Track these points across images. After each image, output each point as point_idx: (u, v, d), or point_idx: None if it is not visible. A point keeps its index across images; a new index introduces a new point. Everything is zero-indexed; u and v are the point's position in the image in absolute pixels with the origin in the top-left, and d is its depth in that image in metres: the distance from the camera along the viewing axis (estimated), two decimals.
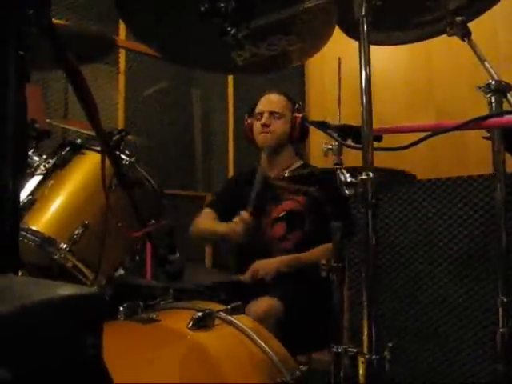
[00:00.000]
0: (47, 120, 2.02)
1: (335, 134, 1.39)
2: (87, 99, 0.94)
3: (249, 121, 2.47)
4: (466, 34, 1.45)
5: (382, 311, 3.08)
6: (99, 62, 1.85)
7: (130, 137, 1.64)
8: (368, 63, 1.11)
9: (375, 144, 1.12)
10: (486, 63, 1.44)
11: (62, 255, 1.39)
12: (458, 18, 1.45)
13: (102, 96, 3.12)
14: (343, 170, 1.11)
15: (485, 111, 1.43)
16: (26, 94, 0.70)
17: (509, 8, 2.60)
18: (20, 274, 1.23)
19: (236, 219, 2.24)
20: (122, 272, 1.57)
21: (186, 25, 1.43)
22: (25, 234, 1.39)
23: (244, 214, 2.22)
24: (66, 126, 2.29)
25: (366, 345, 1.05)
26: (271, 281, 2.13)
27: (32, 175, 1.53)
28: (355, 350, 1.20)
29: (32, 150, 1.61)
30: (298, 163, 2.46)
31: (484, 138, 1.52)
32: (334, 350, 1.31)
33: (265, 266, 2.16)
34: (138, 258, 1.64)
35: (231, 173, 3.66)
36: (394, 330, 3.09)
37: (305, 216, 2.29)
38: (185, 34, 1.47)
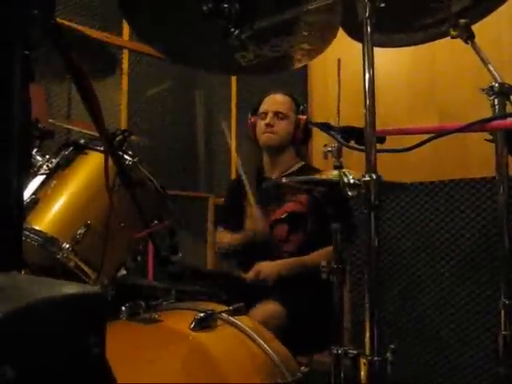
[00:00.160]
0: (50, 120, 2.03)
1: (338, 136, 1.39)
2: (91, 100, 0.94)
3: (252, 120, 2.47)
4: (469, 37, 1.45)
5: (384, 313, 3.07)
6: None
7: (132, 137, 1.64)
8: (371, 65, 1.11)
9: (378, 146, 1.12)
10: (489, 66, 1.44)
11: (65, 255, 1.39)
12: (462, 21, 1.45)
13: (105, 96, 3.12)
14: (346, 172, 1.11)
15: (488, 113, 1.43)
16: (30, 94, 0.70)
17: None
18: (23, 273, 1.23)
19: (247, 221, 2.26)
20: (124, 272, 1.57)
21: (190, 26, 1.44)
22: (27, 233, 1.39)
23: (253, 213, 2.23)
24: (70, 126, 2.29)
25: (368, 346, 1.05)
26: (273, 283, 2.12)
27: (35, 175, 1.53)
28: (355, 352, 1.20)
29: (35, 150, 1.61)
30: (299, 164, 2.46)
31: (487, 140, 1.52)
32: (335, 351, 1.31)
33: (267, 268, 2.16)
34: (140, 258, 1.64)
35: (234, 174, 3.66)
36: (395, 332, 3.09)
37: (307, 217, 2.29)
38: (188, 34, 1.47)
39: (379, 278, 1.07)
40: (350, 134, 1.38)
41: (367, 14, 1.13)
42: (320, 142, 1.62)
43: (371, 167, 1.07)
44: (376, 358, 1.04)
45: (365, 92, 1.11)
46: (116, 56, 2.22)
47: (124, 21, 2.88)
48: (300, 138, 2.39)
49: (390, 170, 1.26)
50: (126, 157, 1.53)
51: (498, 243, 1.50)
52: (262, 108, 2.43)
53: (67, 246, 1.40)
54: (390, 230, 3.23)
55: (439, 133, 1.28)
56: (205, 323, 1.27)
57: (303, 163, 2.50)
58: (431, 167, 3.12)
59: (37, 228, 1.41)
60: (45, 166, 1.54)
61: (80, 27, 2.82)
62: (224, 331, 1.31)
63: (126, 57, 3.21)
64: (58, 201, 1.48)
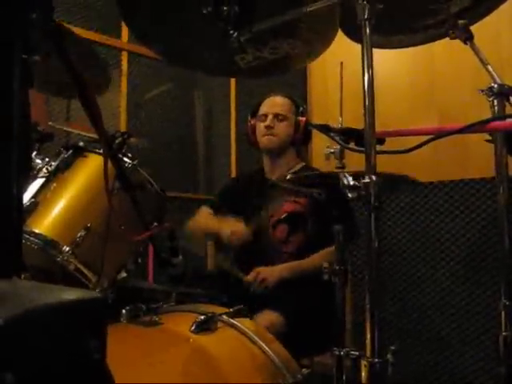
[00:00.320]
0: (50, 123, 2.03)
1: (338, 138, 1.39)
2: (90, 103, 0.94)
3: (252, 122, 2.47)
4: (468, 38, 1.45)
5: (385, 314, 3.07)
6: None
7: (132, 139, 1.64)
8: (370, 66, 1.11)
9: (378, 147, 1.12)
10: (488, 67, 1.44)
11: (65, 258, 1.39)
12: (461, 22, 1.45)
13: (105, 98, 3.12)
14: (346, 174, 1.11)
15: (487, 114, 1.43)
16: (29, 97, 0.70)
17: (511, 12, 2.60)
18: (23, 276, 1.23)
19: (228, 230, 2.24)
20: (124, 275, 1.57)
21: (189, 28, 1.44)
22: (27, 236, 1.39)
23: (236, 230, 2.22)
24: (69, 129, 2.29)
25: (369, 348, 1.04)
26: (273, 287, 2.12)
27: (35, 178, 1.53)
28: (357, 353, 1.20)
29: (35, 153, 1.61)
30: (300, 165, 2.46)
31: (486, 140, 1.52)
32: (336, 352, 1.31)
33: (268, 272, 2.15)
34: (140, 260, 1.64)
35: (233, 175, 3.66)
36: (396, 334, 3.09)
37: (307, 218, 2.29)
38: (187, 37, 1.47)
39: (379, 278, 1.07)
40: (349, 136, 1.38)
41: (366, 16, 1.13)
42: (321, 143, 1.61)
43: (371, 169, 1.07)
44: (377, 360, 1.03)
45: (364, 93, 1.11)
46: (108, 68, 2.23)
47: (123, 23, 2.88)
48: (300, 139, 2.39)
49: (390, 170, 1.26)
50: (125, 159, 1.53)
51: (498, 244, 1.50)
52: (262, 110, 2.42)
53: (67, 248, 1.40)
54: (390, 230, 3.23)
55: (438, 134, 1.28)
56: (205, 326, 1.27)
57: (303, 164, 2.50)
58: (431, 168, 3.12)
59: (37, 231, 1.41)
60: (44, 169, 1.54)
61: (79, 29, 2.82)
62: (224, 333, 1.31)
63: (125, 59, 3.21)
64: (57, 204, 1.48)
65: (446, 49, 2.66)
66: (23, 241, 1.35)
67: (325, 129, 1.42)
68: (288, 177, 1.79)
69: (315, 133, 2.42)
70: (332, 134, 1.39)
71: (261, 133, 2.39)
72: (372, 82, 1.11)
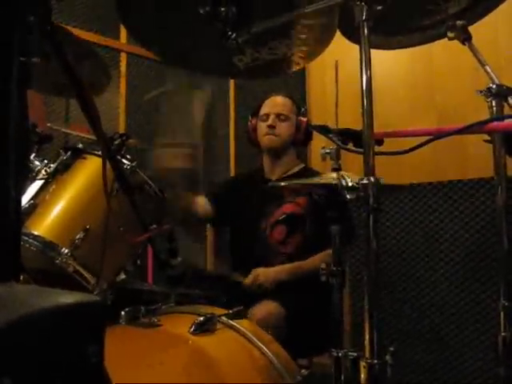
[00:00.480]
0: (48, 124, 2.03)
1: (336, 138, 1.39)
2: (89, 105, 0.94)
3: (253, 122, 2.47)
4: (466, 38, 1.45)
5: (384, 315, 3.07)
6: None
7: (131, 141, 1.64)
8: (368, 67, 1.11)
9: (376, 148, 1.12)
10: (486, 67, 1.44)
11: (64, 260, 1.39)
12: (459, 22, 1.45)
13: (104, 100, 3.12)
14: (344, 175, 1.11)
15: (486, 115, 1.43)
16: (27, 99, 0.70)
17: (510, 11, 2.60)
18: (21, 278, 1.23)
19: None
20: (123, 276, 1.57)
21: (187, 29, 1.44)
22: (26, 238, 1.39)
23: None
24: (68, 131, 2.29)
25: (368, 349, 1.04)
26: (271, 289, 2.12)
27: (33, 180, 1.53)
28: (356, 354, 1.20)
29: (33, 155, 1.61)
30: (299, 166, 2.46)
31: (485, 141, 1.52)
32: (335, 353, 1.31)
33: (266, 274, 2.15)
34: (139, 262, 1.64)
35: (232, 175, 3.67)
36: (395, 334, 3.08)
37: (305, 219, 2.29)
38: (185, 38, 1.47)
39: (378, 279, 1.07)
40: (347, 137, 1.38)
41: (364, 17, 1.13)
42: (318, 144, 1.61)
43: (369, 170, 1.07)
44: (375, 361, 1.03)
45: (362, 94, 1.11)
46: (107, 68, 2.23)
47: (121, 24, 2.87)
48: (301, 139, 2.40)
49: (388, 171, 1.27)
50: (124, 161, 1.53)
51: (496, 244, 1.50)
52: (264, 110, 2.43)
53: (66, 250, 1.40)
54: (389, 231, 3.23)
55: (437, 135, 1.28)
56: (204, 327, 1.27)
57: (303, 165, 2.51)
58: (430, 168, 3.12)
59: (35, 233, 1.41)
60: (43, 171, 1.54)
61: (78, 30, 2.82)
62: (224, 335, 1.31)
63: (123, 60, 3.21)
64: (56, 206, 1.48)
65: (444, 49, 2.67)
66: (22, 243, 1.35)
67: (323, 130, 1.42)
68: (285, 183, 1.80)
69: (314, 133, 2.43)
70: (330, 135, 1.39)
71: (262, 132, 2.40)
72: (370, 82, 1.11)
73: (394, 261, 3.20)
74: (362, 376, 1.05)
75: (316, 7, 1.23)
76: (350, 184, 1.09)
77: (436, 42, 1.61)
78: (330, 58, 1.67)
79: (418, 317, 3.09)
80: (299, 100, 3.46)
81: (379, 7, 1.15)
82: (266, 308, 1.95)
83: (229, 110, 3.74)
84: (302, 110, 2.43)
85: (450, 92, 3.12)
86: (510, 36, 2.93)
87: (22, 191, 1.26)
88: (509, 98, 1.41)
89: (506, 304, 1.43)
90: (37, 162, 1.57)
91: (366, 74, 1.11)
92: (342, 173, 1.31)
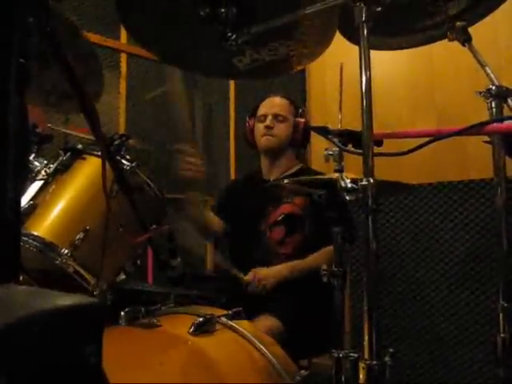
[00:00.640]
0: (48, 124, 2.03)
1: (336, 140, 1.39)
2: (88, 106, 0.94)
3: (250, 122, 2.47)
4: (466, 40, 1.45)
5: (383, 316, 3.07)
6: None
7: (131, 141, 1.64)
8: (368, 69, 1.11)
9: (376, 149, 1.12)
10: (486, 68, 1.44)
11: (63, 260, 1.39)
12: (459, 23, 1.45)
13: (104, 100, 3.12)
14: (344, 176, 1.11)
15: (485, 115, 1.43)
16: (26, 100, 0.70)
17: (510, 12, 2.61)
18: (21, 279, 1.23)
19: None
20: (123, 277, 1.57)
21: (187, 30, 1.44)
22: (26, 239, 1.38)
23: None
24: (67, 131, 2.29)
25: (367, 350, 1.04)
26: (271, 287, 2.12)
27: (33, 180, 1.53)
28: (356, 355, 1.20)
29: (33, 155, 1.61)
30: (298, 167, 2.46)
31: (485, 142, 1.52)
32: (335, 354, 1.31)
33: (265, 273, 2.15)
34: (139, 262, 1.64)
35: (233, 176, 3.67)
36: (394, 335, 3.09)
37: (304, 219, 2.28)
38: (186, 38, 1.47)
39: (378, 280, 1.07)
40: (347, 138, 1.38)
41: (363, 18, 1.13)
42: (320, 145, 1.62)
43: (369, 171, 1.07)
44: (375, 362, 1.03)
45: (362, 95, 1.11)
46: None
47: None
48: (299, 140, 2.39)
49: (388, 172, 1.27)
50: (124, 161, 1.53)
51: (496, 245, 1.50)
52: (261, 111, 2.43)
53: (66, 251, 1.40)
54: (388, 231, 3.23)
55: (437, 136, 1.28)
56: (204, 328, 1.27)
57: (301, 165, 2.50)
58: (430, 169, 3.12)
59: (35, 233, 1.41)
60: (43, 172, 1.53)
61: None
62: (223, 335, 1.31)
63: (124, 60, 3.21)
64: (56, 206, 1.48)
65: (444, 50, 2.66)
66: (22, 243, 1.35)
67: (323, 131, 1.42)
68: (286, 181, 1.79)
69: (314, 135, 2.43)
70: (330, 136, 1.39)
71: (260, 133, 2.39)
72: (370, 83, 1.11)
73: (393, 261, 3.20)
74: (362, 377, 1.05)
75: (316, 8, 1.23)
76: (348, 185, 1.10)
77: (436, 43, 1.62)
78: (331, 58, 1.67)
79: (417, 317, 3.09)
80: (299, 101, 3.46)
81: (379, 8, 1.15)
82: (265, 324, 1.94)
83: (229, 110, 3.74)
84: (300, 110, 2.43)
85: (449, 93, 3.13)
86: (510, 36, 2.93)
87: (21, 192, 1.26)
88: (508, 100, 1.41)
89: (506, 305, 1.43)
90: (36, 163, 1.57)
91: (366, 74, 1.11)
92: (341, 174, 1.31)
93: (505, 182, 1.49)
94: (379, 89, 2.99)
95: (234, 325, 1.33)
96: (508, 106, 1.41)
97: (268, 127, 2.36)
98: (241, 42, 1.36)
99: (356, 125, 1.25)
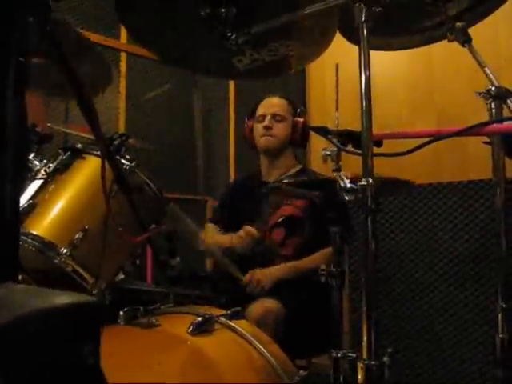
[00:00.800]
0: (48, 124, 2.03)
1: (335, 140, 1.39)
2: (87, 105, 0.94)
3: (249, 123, 2.46)
4: (466, 40, 1.45)
5: (382, 316, 3.07)
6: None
7: (130, 141, 1.64)
8: (367, 69, 1.12)
9: (375, 149, 1.12)
10: (486, 69, 1.44)
11: (63, 260, 1.39)
12: (458, 24, 1.45)
13: (103, 100, 3.12)
14: (343, 176, 1.11)
15: (485, 116, 1.44)
16: (26, 99, 0.70)
17: (510, 13, 2.61)
18: (20, 278, 1.23)
19: (241, 232, 2.23)
20: (122, 276, 1.57)
21: (187, 30, 1.44)
22: (25, 238, 1.39)
23: (249, 229, 2.21)
24: (67, 131, 2.29)
25: (366, 350, 1.04)
26: (269, 289, 2.12)
27: (32, 179, 1.53)
28: (355, 355, 1.20)
29: (33, 155, 1.61)
30: (297, 167, 2.46)
31: (484, 143, 1.52)
32: (334, 354, 1.31)
33: (264, 274, 2.15)
34: (138, 262, 1.64)
35: (232, 176, 3.67)
36: (393, 336, 3.08)
37: (304, 221, 2.28)
38: (186, 38, 1.47)
39: (377, 280, 1.07)
40: (347, 138, 1.38)
41: (363, 19, 1.13)
42: (319, 145, 1.62)
43: (368, 171, 1.07)
44: (373, 362, 1.03)
45: (361, 96, 1.11)
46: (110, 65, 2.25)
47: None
48: (298, 140, 2.39)
49: (387, 172, 1.26)
50: (123, 161, 1.53)
51: (495, 245, 1.50)
52: (260, 111, 2.42)
53: (65, 250, 1.40)
54: (388, 232, 3.23)
55: (436, 137, 1.28)
56: (203, 327, 1.27)
57: (301, 166, 2.50)
58: (429, 170, 3.12)
59: (34, 233, 1.41)
60: (42, 171, 1.54)
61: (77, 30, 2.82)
62: (222, 335, 1.31)
63: (123, 60, 3.21)
64: (55, 205, 1.48)
65: (444, 51, 2.66)
66: (21, 242, 1.35)
67: (323, 131, 1.42)
68: (285, 181, 1.79)
69: (313, 135, 2.42)
70: (330, 137, 1.39)
71: (259, 133, 2.39)
72: (369, 84, 1.11)
73: (392, 262, 3.20)
74: (360, 377, 1.05)
75: (316, 8, 1.23)
76: (348, 186, 1.10)
77: (436, 44, 1.62)
78: (330, 58, 1.67)
79: (416, 318, 3.09)
80: (299, 101, 3.46)
81: (378, 9, 1.15)
82: (265, 305, 1.94)
83: (228, 110, 3.74)
84: (299, 110, 2.42)
85: (449, 93, 3.13)
86: (510, 37, 2.93)
87: (20, 191, 1.26)
88: (508, 100, 1.41)
89: (504, 305, 1.43)
90: (36, 162, 1.58)
91: (365, 75, 1.11)
92: (340, 174, 1.31)
93: (504, 183, 1.49)
94: (379, 89, 2.99)
95: (233, 324, 1.33)
96: (507, 106, 1.41)
97: (267, 127, 2.35)
98: (241, 42, 1.36)
99: (356, 125, 1.25)
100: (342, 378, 1.31)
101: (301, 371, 1.33)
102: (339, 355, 1.29)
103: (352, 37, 1.50)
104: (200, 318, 1.28)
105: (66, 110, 2.89)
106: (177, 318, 1.41)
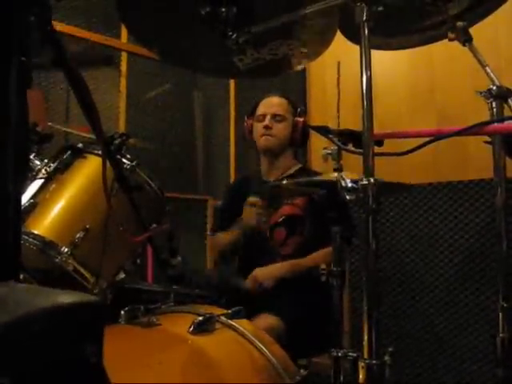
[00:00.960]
0: (49, 123, 2.03)
1: (336, 139, 1.39)
2: (88, 104, 0.94)
3: (249, 122, 2.46)
4: (467, 40, 1.45)
5: (383, 316, 3.07)
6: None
7: (131, 140, 1.64)
8: (368, 68, 1.11)
9: (376, 149, 1.12)
10: (487, 68, 1.44)
11: (63, 259, 1.39)
12: (459, 24, 1.44)
13: (104, 99, 3.12)
14: (344, 176, 1.11)
15: (486, 116, 1.43)
16: (27, 99, 0.70)
17: (510, 12, 2.61)
18: (21, 277, 1.23)
19: (246, 205, 2.26)
20: (123, 276, 1.57)
21: (188, 29, 1.44)
22: (26, 237, 1.39)
23: (253, 199, 2.22)
24: (68, 130, 2.29)
25: (366, 349, 1.04)
26: (271, 287, 2.12)
27: (33, 179, 1.53)
28: (355, 354, 1.20)
29: (33, 154, 1.61)
30: (297, 167, 2.46)
31: (485, 142, 1.52)
32: (334, 354, 1.31)
33: (264, 272, 2.15)
34: (139, 261, 1.64)
35: (233, 175, 3.67)
36: (393, 335, 3.09)
37: (304, 220, 2.28)
38: (186, 38, 1.47)
39: (377, 280, 1.07)
40: (347, 137, 1.38)
41: (364, 18, 1.13)
42: (319, 144, 1.62)
43: (369, 170, 1.07)
44: (374, 362, 1.03)
45: (362, 95, 1.11)
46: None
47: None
48: (298, 140, 2.39)
49: (388, 172, 1.26)
50: (124, 160, 1.53)
51: (496, 245, 1.50)
52: (260, 111, 2.42)
53: (66, 249, 1.40)
54: (388, 231, 3.23)
55: (437, 136, 1.28)
56: (204, 327, 1.27)
57: (301, 165, 2.50)
58: (429, 169, 3.12)
59: (35, 232, 1.41)
60: (43, 170, 1.53)
61: (79, 29, 2.83)
62: (223, 335, 1.31)
63: (124, 59, 3.21)
64: (56, 205, 1.48)
65: (444, 50, 2.66)
66: (22, 242, 1.35)
67: (323, 130, 1.42)
68: (285, 181, 1.80)
69: (313, 134, 2.42)
70: (330, 136, 1.39)
71: (259, 133, 2.39)
72: (370, 83, 1.11)
73: (393, 261, 3.20)
74: (361, 376, 1.05)
75: (316, 8, 1.23)
76: (349, 185, 1.10)
77: (436, 43, 1.61)
78: (331, 57, 1.67)
79: (416, 317, 3.09)
80: (299, 100, 3.46)
81: (379, 8, 1.15)
82: (266, 322, 1.94)
83: (229, 109, 3.74)
84: (299, 109, 2.42)
85: (450, 93, 3.12)
86: (510, 37, 2.93)
87: (22, 190, 1.26)
88: (509, 100, 1.41)
89: (505, 305, 1.43)
90: (37, 161, 1.57)
91: (366, 74, 1.11)
92: (341, 173, 1.31)
93: (505, 183, 1.49)
94: (379, 89, 2.99)
95: (234, 324, 1.33)
96: (508, 106, 1.41)
97: (267, 127, 2.35)
98: (241, 41, 1.36)
99: (356, 124, 1.25)
100: (342, 378, 1.31)
101: (301, 370, 1.33)
102: (340, 354, 1.29)
103: (353, 36, 1.50)
104: (201, 318, 1.28)
105: (66, 110, 2.89)
106: (178, 318, 1.41)
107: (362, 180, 1.06)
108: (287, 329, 1.97)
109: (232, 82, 3.75)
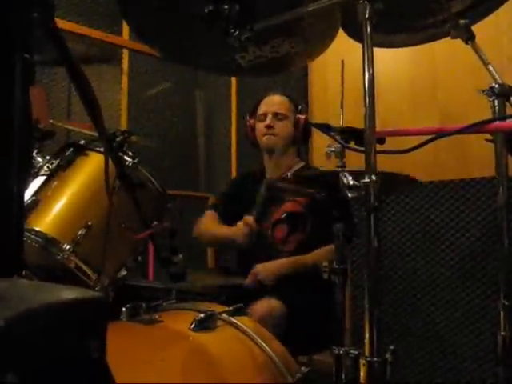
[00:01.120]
0: (51, 120, 2.03)
1: (338, 137, 1.39)
2: (90, 101, 0.94)
3: (251, 121, 2.46)
4: (469, 38, 1.44)
5: (384, 314, 3.07)
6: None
7: (133, 138, 1.64)
8: (371, 66, 1.11)
9: (378, 147, 1.12)
10: (489, 66, 1.44)
11: (65, 256, 1.40)
12: (462, 21, 1.44)
13: (106, 97, 3.12)
14: (346, 173, 1.11)
15: (488, 114, 1.43)
16: (30, 96, 0.70)
17: None
18: (24, 273, 1.23)
19: (239, 223, 2.24)
20: (124, 273, 1.57)
21: (190, 26, 1.44)
22: (28, 234, 1.39)
23: (248, 219, 2.22)
24: (70, 127, 2.29)
25: (368, 347, 1.05)
26: (272, 284, 2.12)
27: (36, 176, 1.53)
28: (357, 352, 1.20)
29: (36, 151, 1.61)
30: (300, 164, 2.46)
31: (487, 140, 1.51)
32: (336, 351, 1.31)
33: (265, 269, 2.15)
34: (140, 258, 1.64)
35: (234, 174, 3.67)
36: (395, 333, 3.08)
37: (306, 218, 2.28)
38: (188, 35, 1.47)
39: (379, 278, 1.07)
40: (349, 135, 1.38)
41: (367, 15, 1.13)
42: (321, 142, 1.62)
43: (371, 168, 1.07)
44: (375, 359, 1.04)
45: (364, 93, 1.11)
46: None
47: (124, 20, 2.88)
48: (300, 137, 2.39)
49: (389, 170, 1.26)
50: (126, 158, 1.53)
51: (497, 243, 1.50)
52: (261, 109, 2.42)
53: (68, 246, 1.40)
54: (390, 229, 3.23)
55: (439, 134, 1.28)
56: (205, 324, 1.27)
57: (303, 163, 2.50)
58: (431, 167, 3.12)
59: (37, 229, 1.41)
60: (45, 167, 1.54)
61: (80, 26, 2.83)
62: (224, 332, 1.31)
63: (126, 57, 3.21)
64: (58, 202, 1.48)
65: (447, 48, 2.66)
66: (24, 239, 1.35)
67: (325, 128, 1.42)
68: (289, 175, 1.79)
69: (316, 131, 2.42)
70: (332, 134, 1.39)
71: (261, 132, 2.39)
72: (373, 81, 1.11)
73: (394, 259, 3.20)
74: (362, 374, 1.05)
75: (319, 5, 1.23)
76: (350, 183, 1.09)
77: (439, 41, 1.61)
78: (333, 55, 1.67)
79: (418, 315, 3.09)
80: (301, 98, 3.46)
81: (382, 5, 1.15)
82: (267, 305, 1.95)
83: (230, 107, 3.74)
84: (300, 107, 2.42)
85: (452, 91, 3.12)
86: None
87: (24, 187, 1.26)
88: (511, 98, 1.41)
89: (506, 303, 1.43)
90: (39, 158, 1.58)
91: (369, 72, 1.11)
92: (343, 170, 1.31)
93: (507, 181, 1.49)
94: (381, 86, 2.99)
95: (235, 321, 1.33)
96: (510, 104, 1.41)
97: (269, 126, 2.35)
98: (243, 38, 1.36)
99: (358, 122, 1.25)
100: (343, 375, 1.31)
101: (303, 368, 1.33)
102: (341, 352, 1.29)
103: (355, 34, 1.50)
104: (202, 315, 1.28)
105: (68, 107, 2.89)
106: (179, 315, 1.41)
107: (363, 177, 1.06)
108: (289, 313, 1.97)
109: (233, 80, 3.75)
